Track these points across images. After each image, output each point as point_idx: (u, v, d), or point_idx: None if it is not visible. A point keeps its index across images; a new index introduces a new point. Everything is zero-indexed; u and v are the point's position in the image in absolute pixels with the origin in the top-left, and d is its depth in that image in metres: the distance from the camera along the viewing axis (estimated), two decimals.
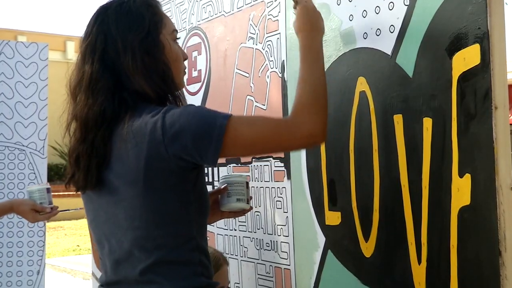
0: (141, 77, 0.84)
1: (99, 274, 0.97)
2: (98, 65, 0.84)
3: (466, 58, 0.85)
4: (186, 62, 0.95)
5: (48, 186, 1.52)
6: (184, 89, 1.63)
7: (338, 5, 1.12)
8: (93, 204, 0.88)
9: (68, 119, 0.89)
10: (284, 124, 0.83)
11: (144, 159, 0.79)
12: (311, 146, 0.84)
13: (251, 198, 1.09)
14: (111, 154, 0.83)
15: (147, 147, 0.79)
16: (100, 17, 0.87)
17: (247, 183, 1.05)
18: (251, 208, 1.07)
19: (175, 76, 0.88)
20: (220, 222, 1.45)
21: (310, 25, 0.90)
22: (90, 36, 0.87)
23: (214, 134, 0.78)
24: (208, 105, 1.52)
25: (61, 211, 1.52)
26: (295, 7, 0.95)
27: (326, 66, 1.14)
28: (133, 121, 0.81)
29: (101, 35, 0.85)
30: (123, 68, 0.84)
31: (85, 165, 0.84)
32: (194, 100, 1.58)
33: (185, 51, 1.61)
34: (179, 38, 0.93)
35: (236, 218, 1.38)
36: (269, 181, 1.30)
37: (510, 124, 0.89)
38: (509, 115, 0.87)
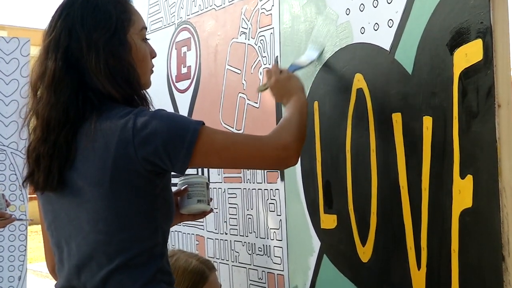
0: (105, 78, 0.81)
1: None
2: (61, 63, 0.82)
3: (468, 54, 0.83)
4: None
5: (2, 192, 1.54)
6: (173, 86, 1.60)
7: None
8: (53, 205, 0.86)
9: (27, 114, 0.85)
10: (260, 136, 0.85)
11: (111, 159, 0.77)
12: (283, 162, 0.85)
13: (211, 199, 1.09)
14: (76, 154, 0.81)
15: (115, 147, 0.77)
16: (65, 11, 0.84)
17: (207, 184, 1.04)
18: (211, 210, 1.06)
19: (141, 76, 0.86)
20: (211, 226, 1.41)
21: (289, 94, 0.96)
22: (54, 31, 0.83)
23: (186, 138, 0.77)
24: (199, 103, 1.48)
25: (17, 219, 1.53)
26: (263, 89, 1.03)
27: (322, 62, 1.10)
28: (101, 120, 0.80)
29: (65, 31, 0.82)
30: (87, 67, 0.82)
31: (46, 166, 0.81)
32: (184, 98, 1.53)
33: (174, 46, 1.57)
34: (149, 39, 0.91)
35: (227, 221, 1.35)
36: (261, 183, 1.27)
37: None
38: None
